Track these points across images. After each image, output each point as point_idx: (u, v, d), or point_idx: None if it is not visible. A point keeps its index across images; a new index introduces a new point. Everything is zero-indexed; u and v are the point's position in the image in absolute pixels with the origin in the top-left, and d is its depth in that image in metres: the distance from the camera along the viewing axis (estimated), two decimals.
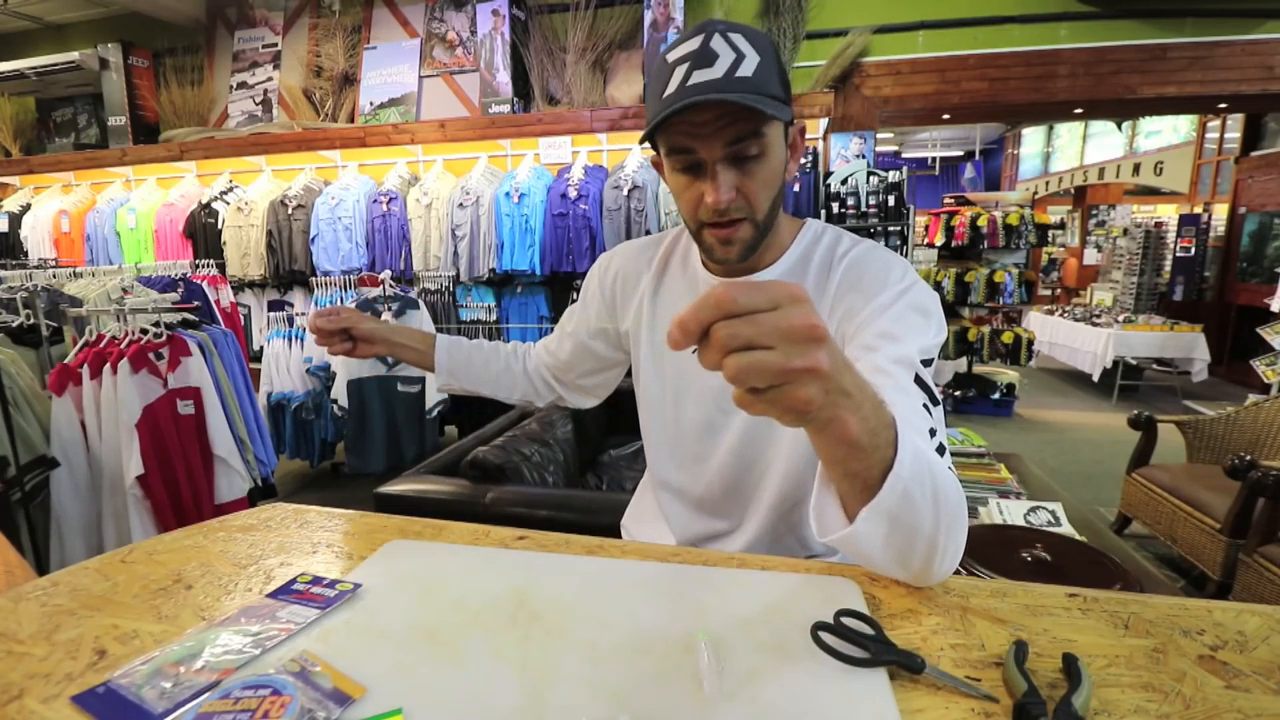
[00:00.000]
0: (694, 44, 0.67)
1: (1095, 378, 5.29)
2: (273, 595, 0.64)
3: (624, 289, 0.94)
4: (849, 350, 0.74)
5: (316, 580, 0.66)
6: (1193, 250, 6.34)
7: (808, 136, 3.38)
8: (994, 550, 1.34)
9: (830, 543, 0.54)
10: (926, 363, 0.71)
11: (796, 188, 3.31)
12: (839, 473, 0.53)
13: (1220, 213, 6.36)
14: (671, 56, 0.69)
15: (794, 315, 0.39)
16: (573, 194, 3.24)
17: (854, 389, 0.46)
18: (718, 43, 0.67)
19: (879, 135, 3.65)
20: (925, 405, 0.67)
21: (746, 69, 0.66)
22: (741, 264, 0.80)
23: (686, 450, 0.90)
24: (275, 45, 4.13)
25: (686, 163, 0.72)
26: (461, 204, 3.38)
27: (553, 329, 1.08)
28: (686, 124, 0.68)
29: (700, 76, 0.66)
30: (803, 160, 3.32)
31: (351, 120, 3.93)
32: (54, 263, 3.43)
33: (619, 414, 2.84)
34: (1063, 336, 5.83)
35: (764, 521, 0.86)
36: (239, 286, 3.77)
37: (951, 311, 4.79)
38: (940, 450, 0.66)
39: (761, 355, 0.39)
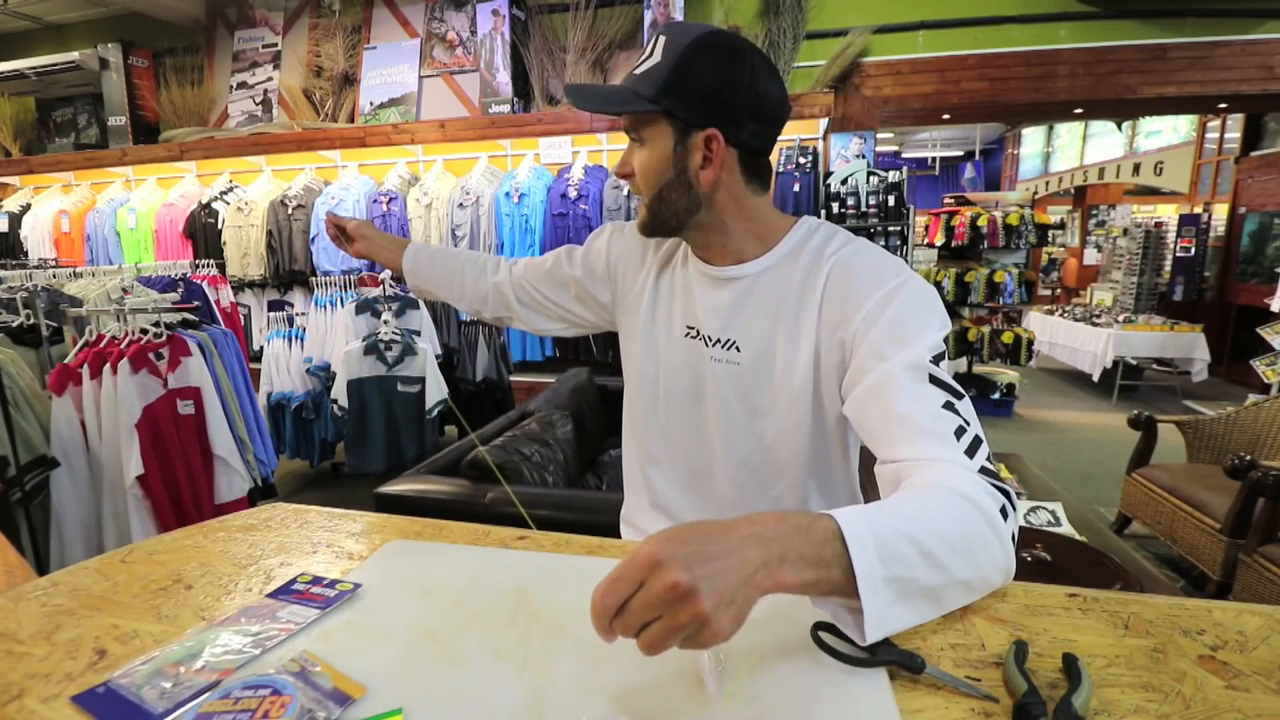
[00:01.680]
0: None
1: (1095, 378, 5.29)
2: (273, 595, 0.64)
3: (628, 268, 0.95)
4: (856, 359, 0.72)
5: (316, 580, 0.66)
6: (1193, 250, 6.34)
7: (808, 137, 3.39)
8: None
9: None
10: (939, 358, 0.69)
11: (796, 188, 3.31)
12: (825, 596, 0.53)
13: (1220, 213, 6.36)
14: None
15: (654, 585, 0.42)
16: (573, 194, 3.25)
17: (766, 550, 0.46)
18: (651, 43, 0.76)
19: (879, 135, 3.65)
20: (948, 404, 0.66)
21: (643, 68, 0.75)
22: (721, 257, 0.83)
23: (679, 428, 0.91)
24: (275, 45, 4.14)
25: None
26: (461, 204, 3.38)
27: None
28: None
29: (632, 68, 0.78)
30: (802, 160, 3.33)
31: (351, 120, 3.93)
32: (54, 263, 3.43)
33: (619, 414, 2.84)
34: (1063, 336, 5.83)
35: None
36: (239, 286, 3.77)
37: (951, 311, 4.79)
38: (973, 448, 0.64)
39: (655, 628, 0.43)
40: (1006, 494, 0.61)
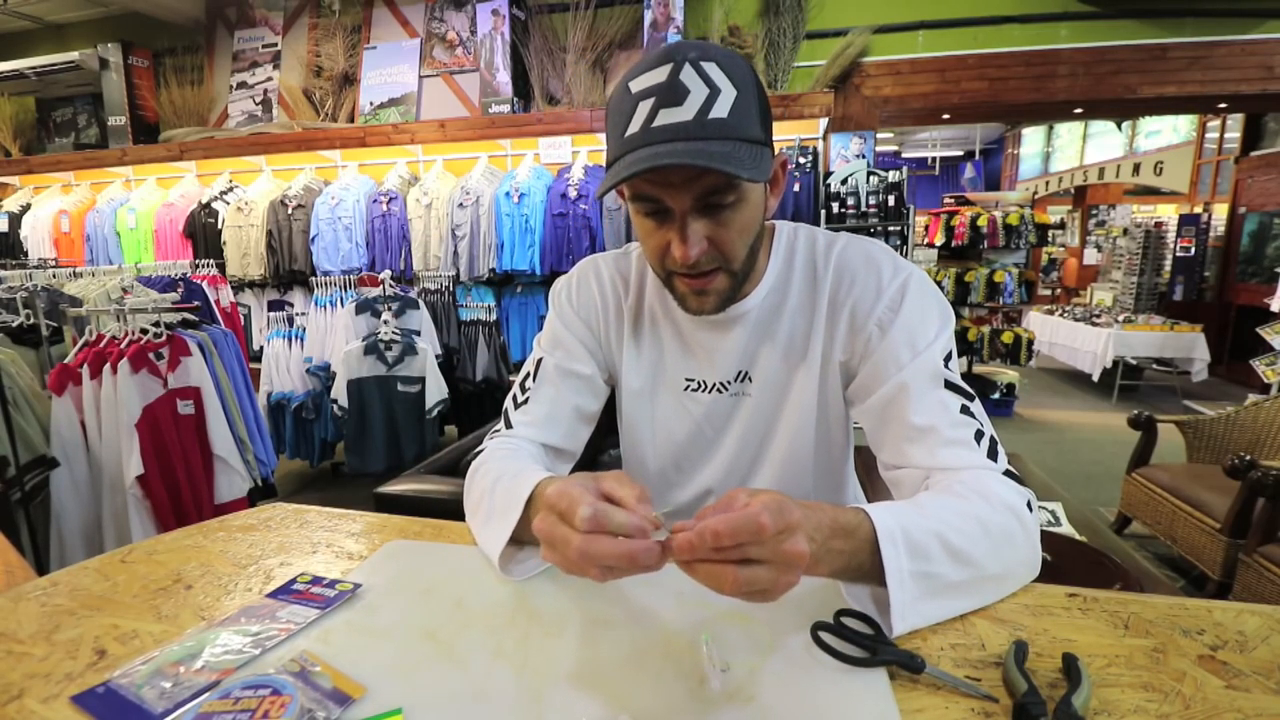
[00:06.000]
0: (660, 75, 0.59)
1: (1095, 378, 5.29)
2: (273, 595, 0.64)
3: (605, 321, 0.85)
4: (869, 365, 0.72)
5: (316, 580, 0.66)
6: (1193, 250, 6.34)
7: (808, 137, 3.38)
8: None
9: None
10: (949, 358, 0.70)
11: (796, 188, 3.31)
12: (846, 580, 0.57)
13: (1220, 213, 6.36)
14: (635, 85, 0.61)
15: (787, 545, 0.45)
16: (573, 194, 3.24)
17: (815, 544, 0.50)
18: (688, 75, 0.58)
19: (879, 135, 3.65)
20: (964, 408, 0.67)
21: (721, 108, 0.58)
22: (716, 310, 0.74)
23: (676, 478, 0.89)
24: (275, 45, 4.13)
25: (652, 209, 0.65)
26: (461, 204, 3.38)
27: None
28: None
29: (667, 117, 0.58)
30: (802, 160, 3.32)
31: (351, 120, 3.93)
32: (54, 263, 3.43)
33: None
34: (1063, 336, 5.83)
35: None
36: (239, 286, 3.77)
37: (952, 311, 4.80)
38: (992, 449, 0.65)
39: (762, 575, 0.45)
40: (1028, 493, 0.63)
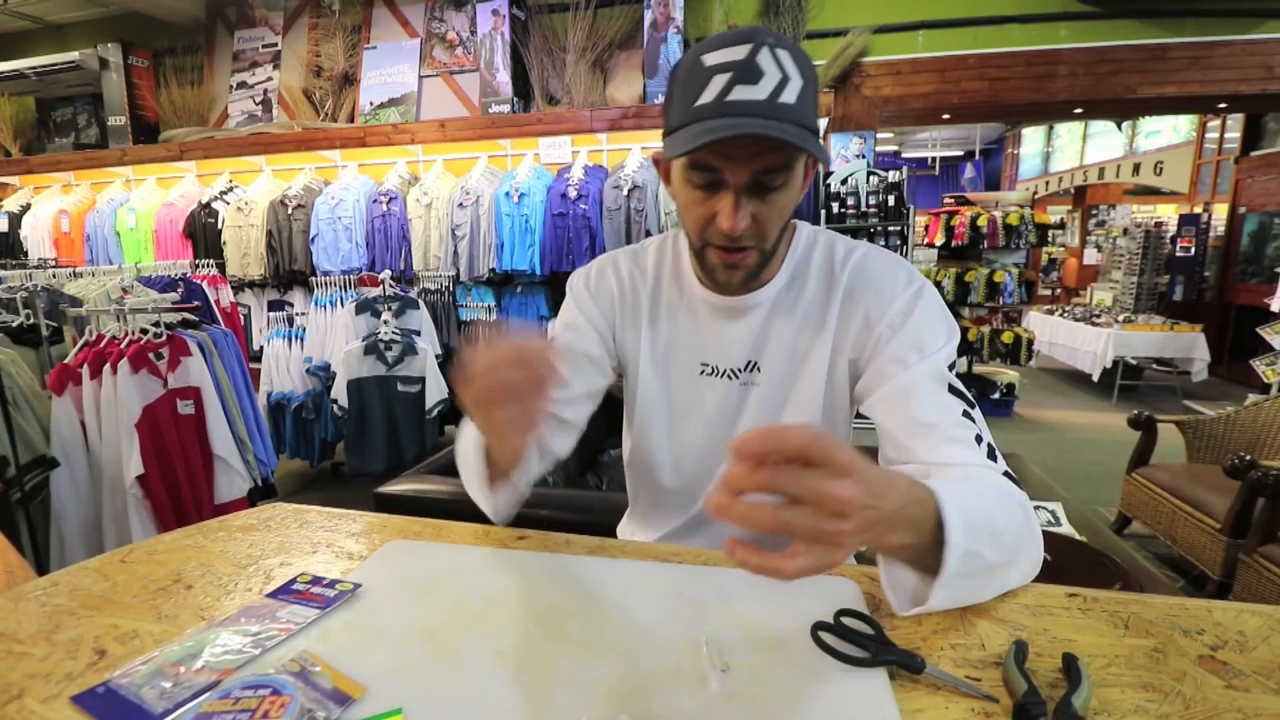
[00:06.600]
0: (739, 53, 0.61)
1: (1095, 378, 5.29)
2: (273, 595, 0.64)
3: (622, 311, 0.88)
4: (877, 363, 0.74)
5: (316, 580, 0.66)
6: (1193, 250, 6.33)
7: None
8: None
9: (912, 615, 0.56)
10: (952, 367, 0.72)
11: None
12: (899, 560, 0.57)
13: (1220, 213, 6.36)
14: (710, 59, 0.63)
15: (832, 485, 0.42)
16: (573, 194, 3.25)
17: (890, 509, 0.47)
18: (765, 58, 0.61)
19: (879, 135, 3.66)
20: (966, 413, 0.68)
21: (790, 94, 0.61)
22: (742, 287, 0.78)
23: (690, 466, 0.89)
24: (275, 45, 4.14)
25: (706, 180, 0.67)
26: (461, 204, 3.38)
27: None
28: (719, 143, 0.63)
29: (742, 93, 0.61)
30: None
31: (351, 120, 3.93)
32: (54, 263, 3.43)
33: (619, 414, 2.83)
34: (1063, 336, 5.83)
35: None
36: (239, 286, 3.77)
37: (952, 311, 4.79)
38: (991, 454, 0.67)
39: (798, 515, 0.42)
40: (1025, 493, 0.64)
